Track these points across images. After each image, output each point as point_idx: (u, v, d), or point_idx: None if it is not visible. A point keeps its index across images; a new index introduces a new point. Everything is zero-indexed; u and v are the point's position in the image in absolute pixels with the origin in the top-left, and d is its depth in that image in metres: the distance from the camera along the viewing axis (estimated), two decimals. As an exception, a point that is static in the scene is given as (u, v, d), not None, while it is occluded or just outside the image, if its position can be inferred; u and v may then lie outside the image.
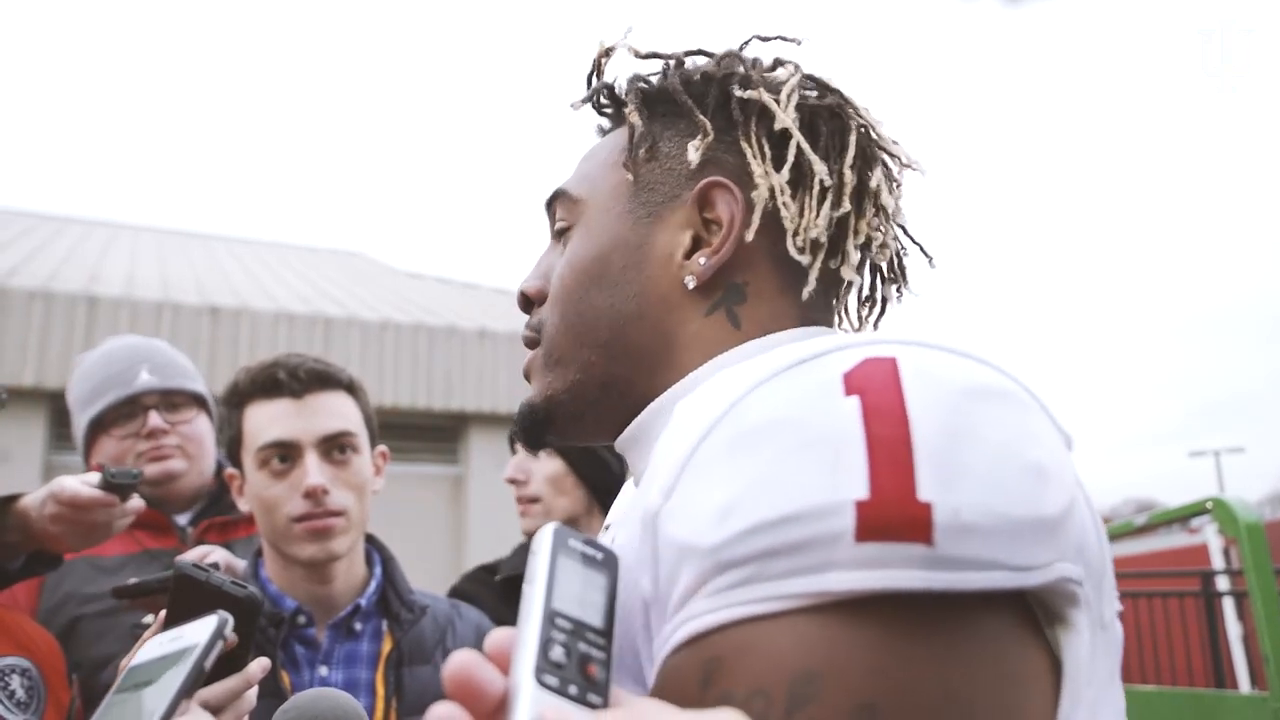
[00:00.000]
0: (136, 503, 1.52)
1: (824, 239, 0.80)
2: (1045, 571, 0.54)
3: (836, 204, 0.80)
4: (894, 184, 0.86)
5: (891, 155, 0.86)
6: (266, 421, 1.59)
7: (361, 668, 1.59)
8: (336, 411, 1.62)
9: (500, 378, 8.61)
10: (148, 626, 1.36)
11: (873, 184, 0.83)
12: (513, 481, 2.24)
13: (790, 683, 0.51)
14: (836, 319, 0.87)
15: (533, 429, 0.86)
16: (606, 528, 0.97)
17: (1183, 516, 4.64)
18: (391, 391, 8.10)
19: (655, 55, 0.88)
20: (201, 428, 2.06)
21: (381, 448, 1.74)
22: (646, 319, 0.80)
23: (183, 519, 2.02)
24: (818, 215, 0.79)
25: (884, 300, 0.88)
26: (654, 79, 0.87)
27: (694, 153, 0.80)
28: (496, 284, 12.79)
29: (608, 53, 0.89)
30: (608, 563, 0.55)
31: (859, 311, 0.88)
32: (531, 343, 0.88)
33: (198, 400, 2.07)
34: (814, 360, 0.59)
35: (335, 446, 1.61)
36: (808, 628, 0.52)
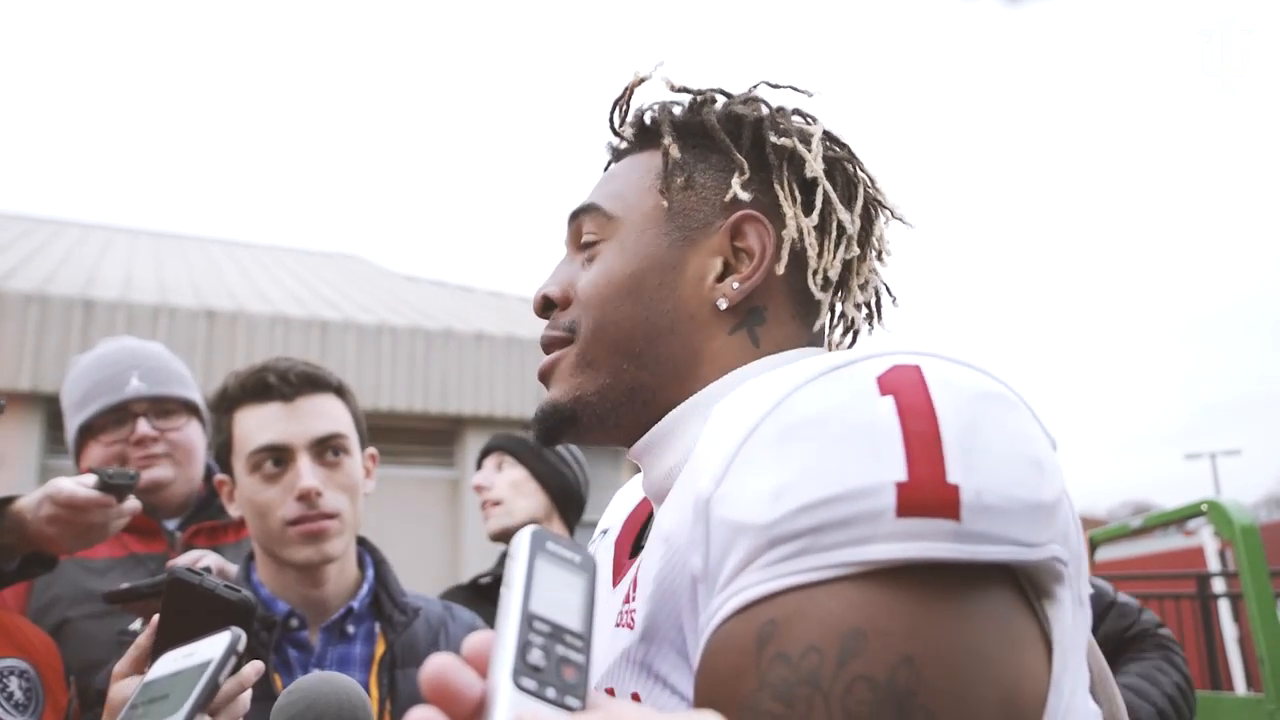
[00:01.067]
0: (133, 504, 1.51)
1: (835, 277, 0.91)
2: (1043, 550, 0.62)
3: (849, 248, 0.91)
4: (886, 236, 0.97)
5: (885, 207, 0.96)
6: (257, 426, 1.59)
7: (355, 670, 1.59)
8: (327, 414, 1.62)
9: (496, 381, 8.61)
10: (135, 633, 1.36)
11: (877, 232, 0.95)
12: (480, 489, 2.48)
13: (841, 639, 0.59)
14: (827, 344, 0.97)
15: (556, 427, 0.92)
16: (604, 532, 1.01)
17: (1178, 519, 4.65)
18: (388, 395, 8.10)
19: (686, 90, 0.96)
20: (192, 434, 2.05)
21: (371, 450, 1.74)
22: (677, 334, 0.88)
23: (171, 524, 2.01)
24: (834, 257, 0.90)
25: (856, 332, 0.98)
26: (681, 111, 0.95)
27: (737, 188, 0.89)
28: (493, 287, 12.80)
29: (641, 82, 0.98)
30: (585, 566, 0.55)
31: (834, 340, 0.98)
32: (558, 343, 0.93)
33: (189, 406, 2.06)
34: (849, 366, 0.68)
35: (327, 449, 1.61)
36: (854, 592, 0.60)
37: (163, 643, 1.04)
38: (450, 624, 1.74)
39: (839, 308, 0.94)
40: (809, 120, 0.95)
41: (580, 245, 0.95)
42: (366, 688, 1.58)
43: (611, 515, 1.05)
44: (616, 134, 1.00)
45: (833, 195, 0.90)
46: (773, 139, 0.91)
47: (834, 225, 0.90)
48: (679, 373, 0.88)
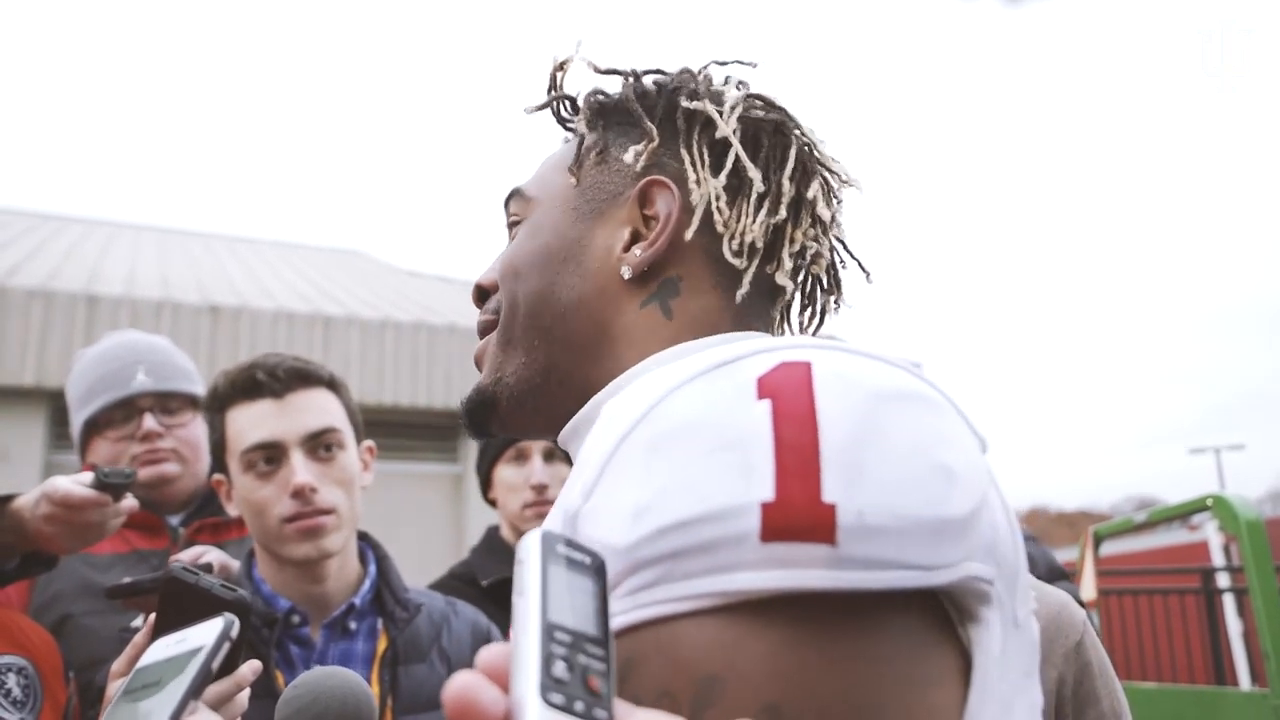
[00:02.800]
0: (130, 502, 1.51)
1: (760, 244, 0.83)
2: (952, 570, 0.55)
3: (773, 212, 0.84)
4: (832, 198, 0.89)
5: (831, 172, 0.89)
6: (249, 424, 1.58)
7: (357, 667, 1.58)
8: (319, 408, 1.61)
9: (500, 376, 8.60)
10: (136, 630, 1.36)
11: (810, 194, 0.86)
12: (539, 488, 2.24)
13: (696, 684, 0.53)
14: (777, 326, 0.90)
15: (478, 412, 0.89)
16: None
17: (1183, 513, 4.65)
18: (391, 390, 8.10)
19: (614, 71, 0.92)
20: (197, 430, 2.04)
21: (368, 443, 1.73)
22: (585, 308, 0.84)
23: (175, 519, 2.00)
24: (754, 221, 0.83)
25: (823, 310, 0.92)
26: (611, 92, 0.91)
27: (633, 156, 0.84)
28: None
29: (563, 66, 0.93)
30: (596, 567, 0.53)
31: (800, 321, 0.92)
32: (489, 326, 0.91)
33: (194, 402, 2.05)
34: (732, 364, 0.61)
35: (320, 444, 1.59)
36: (714, 629, 0.53)
37: None
38: (453, 620, 1.73)
39: (779, 280, 0.86)
40: (738, 85, 0.89)
41: (510, 228, 0.94)
42: (368, 684, 1.57)
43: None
44: (560, 122, 0.95)
45: (741, 154, 0.83)
46: (684, 104, 0.86)
47: (752, 188, 0.83)
48: (590, 350, 0.84)
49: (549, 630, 0.47)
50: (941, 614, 0.56)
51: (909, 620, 0.55)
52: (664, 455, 0.57)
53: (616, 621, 0.55)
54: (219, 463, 1.65)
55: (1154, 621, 7.07)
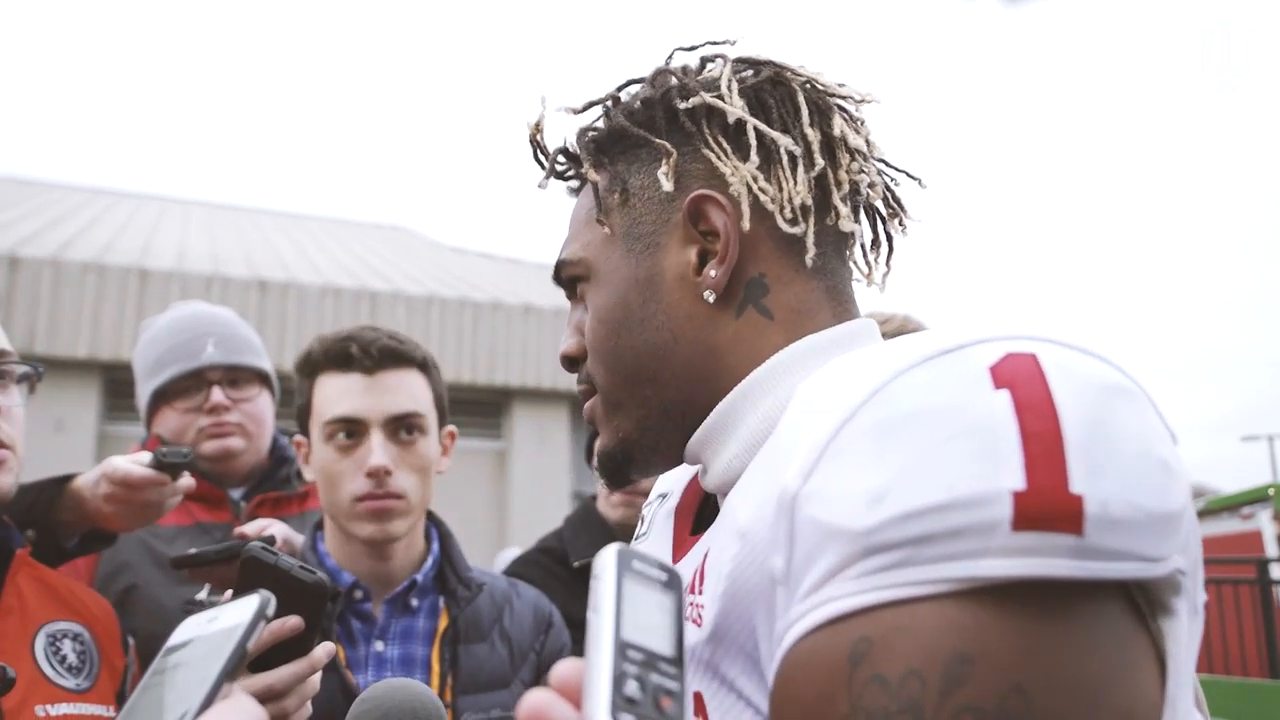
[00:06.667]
0: (186, 481, 1.53)
1: (810, 201, 0.82)
2: (1166, 563, 0.57)
3: (809, 165, 0.83)
4: (857, 124, 0.88)
5: (844, 99, 0.87)
6: (336, 395, 1.58)
7: (417, 644, 1.59)
8: (406, 391, 1.60)
9: (544, 353, 8.62)
10: (199, 603, 1.36)
11: (836, 132, 0.85)
12: None
13: (944, 664, 0.54)
14: (850, 273, 0.89)
15: (617, 472, 0.90)
16: (662, 496, 0.97)
17: (1242, 503, 4.55)
18: (436, 366, 8.16)
19: (591, 104, 0.91)
20: (262, 405, 2.06)
21: (450, 428, 1.72)
22: (683, 341, 0.84)
23: (236, 493, 2.03)
24: (796, 183, 0.82)
25: (889, 237, 0.91)
26: (600, 124, 0.90)
27: (666, 180, 0.83)
28: (541, 259, 12.80)
29: (539, 126, 0.93)
30: (672, 584, 0.53)
31: (867, 257, 0.90)
32: (587, 394, 0.92)
33: (260, 376, 2.07)
34: (957, 351, 0.61)
35: (402, 427, 1.58)
36: (959, 611, 0.55)
37: None
38: (515, 601, 1.73)
39: (844, 228, 0.85)
40: (718, 62, 0.88)
41: (575, 296, 0.93)
42: (428, 661, 1.58)
43: (671, 479, 1.00)
44: (562, 178, 0.95)
45: (761, 126, 0.82)
46: (681, 106, 0.84)
47: (781, 153, 0.82)
48: (702, 375, 0.83)
49: (622, 648, 0.47)
50: (1133, 603, 0.58)
51: (1121, 608, 0.57)
52: (899, 440, 0.58)
53: (848, 603, 0.57)
54: (303, 426, 1.66)
55: (1205, 611, 6.95)
